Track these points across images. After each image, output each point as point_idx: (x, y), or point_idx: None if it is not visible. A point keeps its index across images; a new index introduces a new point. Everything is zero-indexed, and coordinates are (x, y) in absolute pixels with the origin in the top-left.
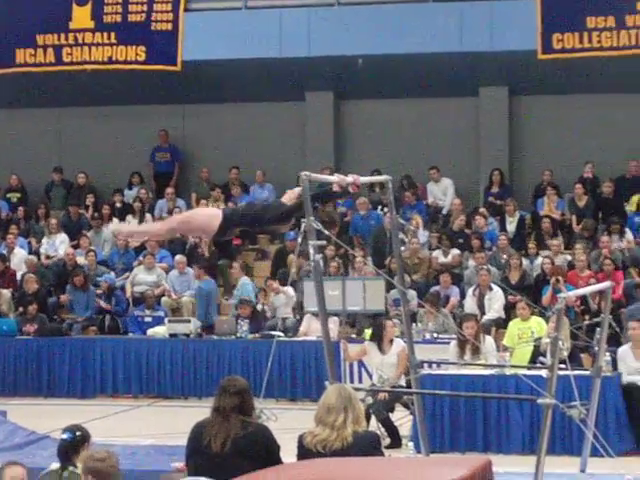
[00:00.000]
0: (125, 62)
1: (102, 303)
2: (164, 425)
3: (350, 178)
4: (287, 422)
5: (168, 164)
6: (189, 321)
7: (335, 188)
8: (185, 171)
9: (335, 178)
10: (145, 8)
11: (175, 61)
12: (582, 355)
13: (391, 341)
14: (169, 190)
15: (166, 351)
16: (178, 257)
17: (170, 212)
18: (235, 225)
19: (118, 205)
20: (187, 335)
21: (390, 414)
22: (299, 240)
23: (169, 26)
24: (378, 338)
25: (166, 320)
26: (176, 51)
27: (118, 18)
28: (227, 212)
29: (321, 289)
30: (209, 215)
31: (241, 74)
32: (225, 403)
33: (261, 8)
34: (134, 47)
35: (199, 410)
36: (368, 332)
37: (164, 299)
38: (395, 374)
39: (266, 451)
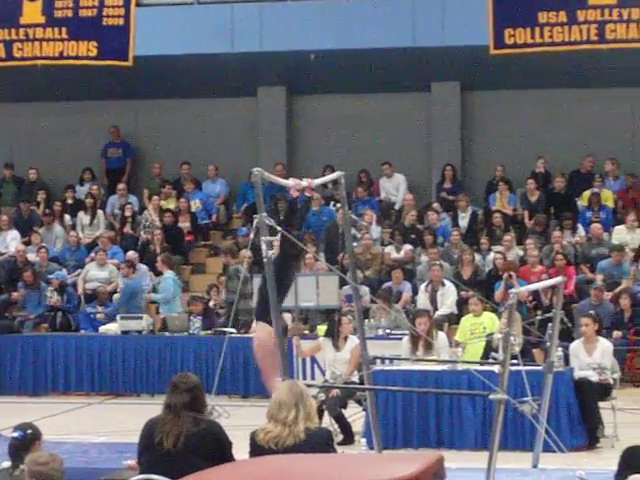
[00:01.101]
0: (76, 57)
1: (53, 299)
2: (116, 422)
3: (305, 182)
4: (239, 419)
5: (120, 160)
6: (141, 318)
7: (293, 193)
8: (137, 167)
9: (291, 182)
10: (96, 3)
11: (127, 56)
12: (534, 350)
13: (346, 338)
14: (121, 186)
15: (118, 348)
16: (130, 253)
17: (122, 208)
18: (266, 313)
19: (70, 201)
20: (139, 332)
21: (343, 410)
22: (251, 236)
23: (120, 21)
24: (333, 334)
25: (118, 317)
26: (128, 46)
27: (69, 13)
28: (258, 314)
29: (273, 285)
30: (261, 332)
31: (193, 69)
32: (176, 400)
33: (213, 3)
34: (85, 42)
35: (152, 407)
36: (322, 328)
37: (116, 296)
38: (347, 370)
39: (218, 448)
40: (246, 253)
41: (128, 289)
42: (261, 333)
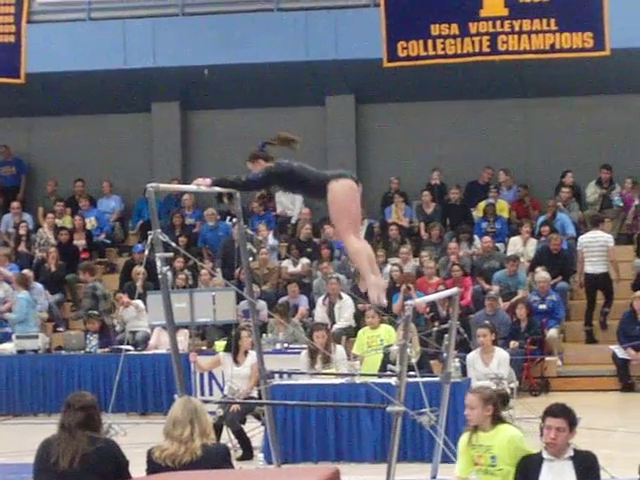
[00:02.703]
0: None
1: None
2: (13, 443)
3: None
4: (138, 436)
5: (14, 178)
6: (37, 337)
7: (206, 183)
8: (32, 185)
9: (194, 187)
10: None
11: (18, 73)
12: (432, 362)
13: (246, 352)
14: (15, 204)
15: (14, 368)
16: (25, 272)
17: (16, 227)
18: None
19: None
20: (35, 351)
21: (242, 425)
22: (146, 252)
23: (11, 38)
24: (233, 349)
25: (13, 336)
26: (19, 63)
27: None
28: (326, 178)
29: (168, 302)
30: (336, 188)
31: (86, 86)
32: (70, 419)
33: (105, 19)
34: None
35: (49, 427)
36: (220, 344)
37: (9, 315)
38: (247, 386)
39: (115, 466)
40: (140, 270)
41: None
42: (336, 189)
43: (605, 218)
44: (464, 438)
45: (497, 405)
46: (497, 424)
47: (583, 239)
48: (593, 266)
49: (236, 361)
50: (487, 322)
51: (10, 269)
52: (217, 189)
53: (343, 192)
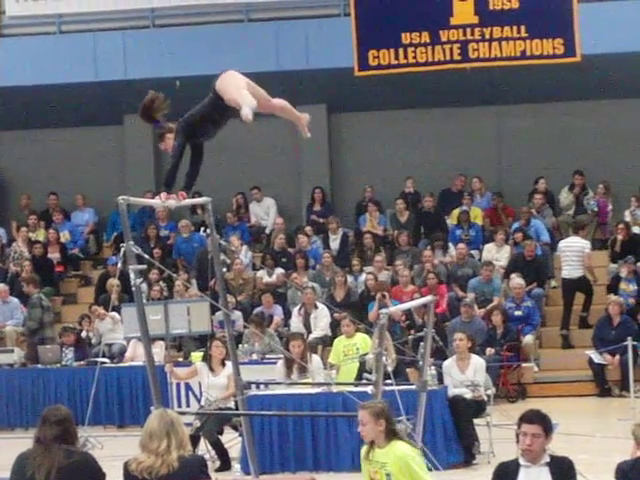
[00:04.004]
0: None
1: None
2: None
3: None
4: (115, 449)
5: None
6: (12, 351)
7: (167, 198)
8: (5, 199)
9: (158, 201)
10: None
11: None
12: (409, 370)
13: (223, 363)
14: None
15: None
16: (0, 286)
17: None
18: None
19: None
20: (11, 365)
21: (220, 436)
22: (119, 265)
23: None
24: (209, 359)
25: None
26: None
27: None
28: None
29: (143, 314)
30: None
31: (58, 99)
32: (46, 433)
33: (75, 32)
34: None
35: (26, 441)
36: (196, 355)
37: None
38: (224, 396)
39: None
40: (114, 282)
41: None
42: (219, 83)
43: (586, 225)
44: (362, 452)
45: (390, 420)
46: (391, 440)
47: (561, 244)
48: (570, 271)
49: (212, 369)
50: (463, 330)
51: None
52: (187, 201)
53: (225, 79)
